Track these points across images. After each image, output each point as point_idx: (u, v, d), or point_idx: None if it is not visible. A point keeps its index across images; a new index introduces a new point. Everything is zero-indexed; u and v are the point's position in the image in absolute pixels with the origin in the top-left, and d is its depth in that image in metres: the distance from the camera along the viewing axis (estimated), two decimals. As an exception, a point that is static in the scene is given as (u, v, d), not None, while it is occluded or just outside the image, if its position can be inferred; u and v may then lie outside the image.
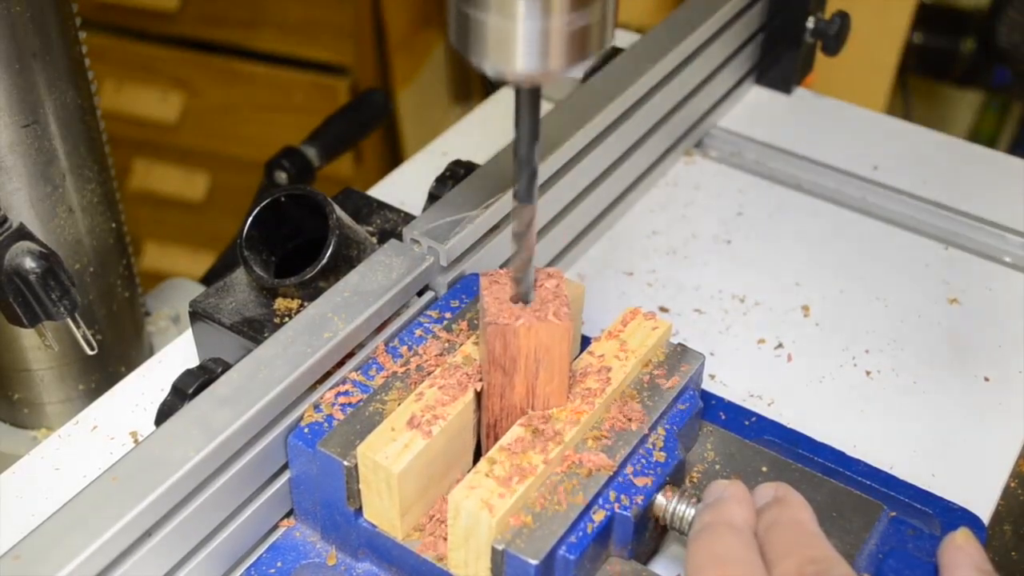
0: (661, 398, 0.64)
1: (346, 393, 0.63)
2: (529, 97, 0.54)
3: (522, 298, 0.59)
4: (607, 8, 0.51)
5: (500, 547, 0.56)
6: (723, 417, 0.70)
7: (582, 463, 0.60)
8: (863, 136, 1.00)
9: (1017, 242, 0.89)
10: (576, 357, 0.65)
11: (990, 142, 1.94)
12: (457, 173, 0.78)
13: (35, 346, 0.81)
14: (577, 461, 0.60)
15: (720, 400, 0.71)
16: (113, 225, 0.82)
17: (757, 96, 1.04)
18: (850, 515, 0.63)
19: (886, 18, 1.65)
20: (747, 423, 0.70)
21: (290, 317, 0.69)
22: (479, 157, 0.80)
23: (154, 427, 0.61)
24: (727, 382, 0.77)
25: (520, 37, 0.50)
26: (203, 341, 0.73)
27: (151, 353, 0.90)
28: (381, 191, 0.92)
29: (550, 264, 0.83)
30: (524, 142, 0.55)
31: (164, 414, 0.64)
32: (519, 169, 0.56)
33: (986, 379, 0.78)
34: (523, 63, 0.50)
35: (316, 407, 0.63)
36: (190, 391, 0.63)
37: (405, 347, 0.66)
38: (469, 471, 0.59)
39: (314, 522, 0.64)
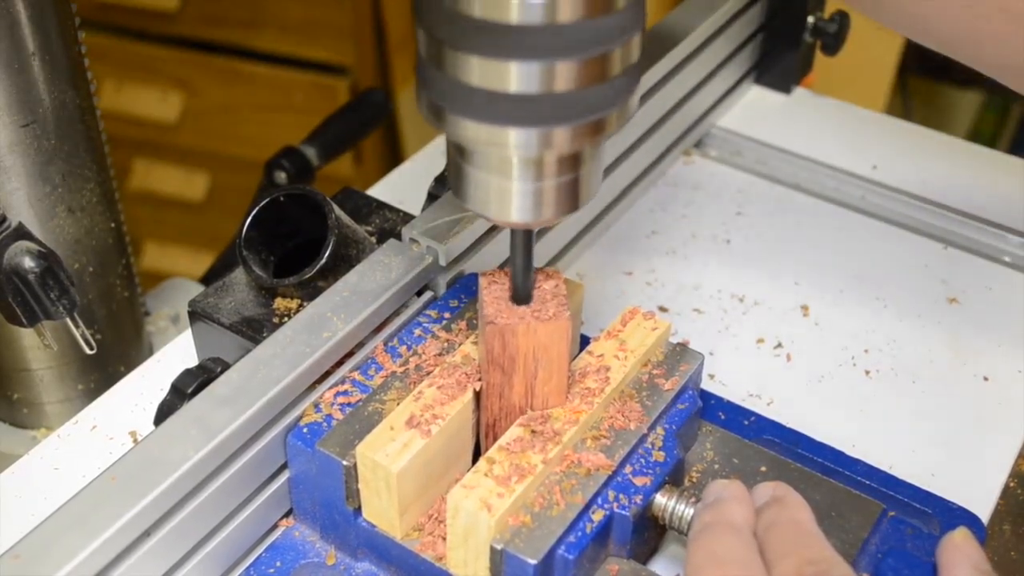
0: (660, 398, 0.64)
1: (345, 393, 0.63)
2: (523, 236, 0.58)
3: (521, 298, 0.59)
4: (594, 165, 0.55)
5: (499, 547, 0.56)
6: (722, 417, 0.70)
7: (581, 463, 0.60)
8: (863, 136, 1.00)
9: (1017, 242, 0.89)
10: (575, 357, 0.65)
11: (990, 142, 1.94)
12: (456, 173, 0.78)
13: (34, 346, 0.81)
14: (576, 461, 0.60)
15: (719, 400, 0.71)
16: (112, 225, 0.82)
17: (757, 96, 1.04)
18: (849, 515, 0.63)
19: (886, 18, 1.64)
20: (746, 423, 0.70)
21: (289, 317, 0.69)
22: (478, 157, 0.80)
23: (153, 427, 0.61)
24: (726, 382, 0.77)
25: (515, 194, 0.54)
26: (202, 341, 0.73)
27: (150, 353, 0.90)
28: (381, 191, 0.92)
29: (550, 264, 0.83)
30: (519, 270, 0.59)
31: (163, 414, 0.64)
32: (515, 290, 0.59)
33: (986, 379, 0.78)
34: (518, 215, 0.55)
35: (315, 407, 0.63)
36: (189, 391, 0.63)
37: (404, 347, 0.66)
38: (468, 471, 0.59)
39: (313, 522, 0.64)
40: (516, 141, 0.51)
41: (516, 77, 0.49)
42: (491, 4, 0.47)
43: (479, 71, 0.49)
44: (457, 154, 0.55)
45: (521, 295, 0.60)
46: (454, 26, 0.49)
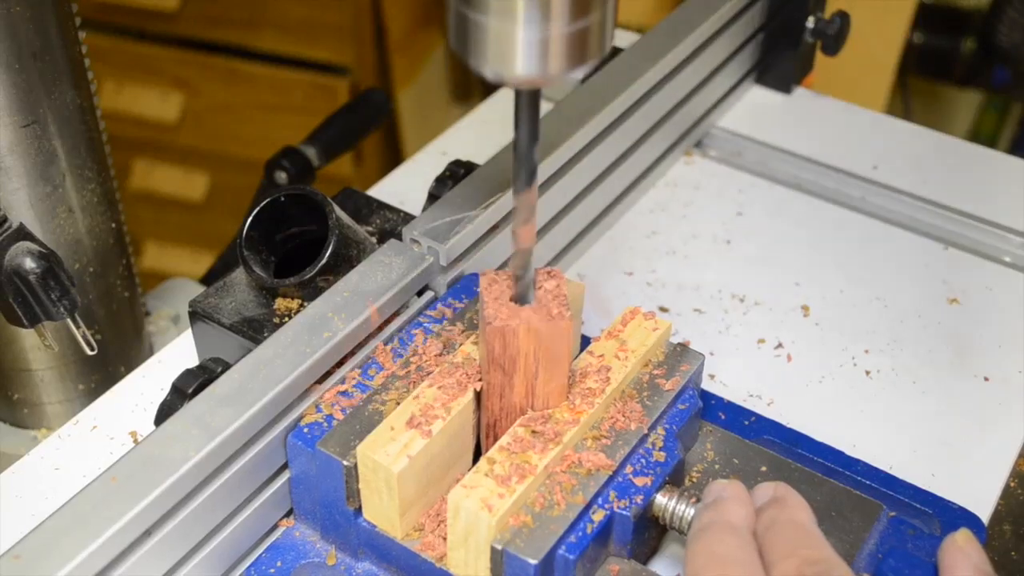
0: (661, 398, 0.64)
1: (346, 393, 0.63)
2: (529, 99, 0.55)
3: (522, 298, 0.59)
4: (607, 13, 0.51)
5: (499, 547, 0.56)
6: (723, 417, 0.70)
7: (582, 463, 0.60)
8: (863, 136, 1.00)
9: (1017, 242, 0.89)
10: (576, 357, 0.65)
11: (990, 142, 1.94)
12: (457, 173, 0.78)
13: (35, 346, 0.81)
14: (577, 461, 0.60)
15: (720, 400, 0.71)
16: (113, 225, 0.82)
17: (757, 96, 1.04)
18: (850, 515, 0.63)
19: (886, 18, 1.65)
20: (747, 423, 0.70)
21: (290, 317, 0.69)
22: (479, 157, 0.80)
23: (154, 427, 0.61)
24: (727, 382, 0.77)
25: (520, 41, 0.50)
26: (203, 341, 0.73)
27: (151, 353, 0.90)
28: (381, 191, 0.92)
29: (550, 264, 0.83)
30: (524, 142, 0.56)
31: (164, 414, 0.64)
32: (518, 166, 0.57)
33: (986, 379, 0.78)
34: (523, 67, 0.50)
35: (316, 407, 0.63)
36: (190, 391, 0.63)
37: (405, 347, 0.66)
38: (469, 471, 0.59)
39: (314, 522, 0.64)
40: None
41: None
42: None
43: None
44: (460, 1, 0.51)
45: (525, 177, 0.57)
46: None
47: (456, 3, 0.51)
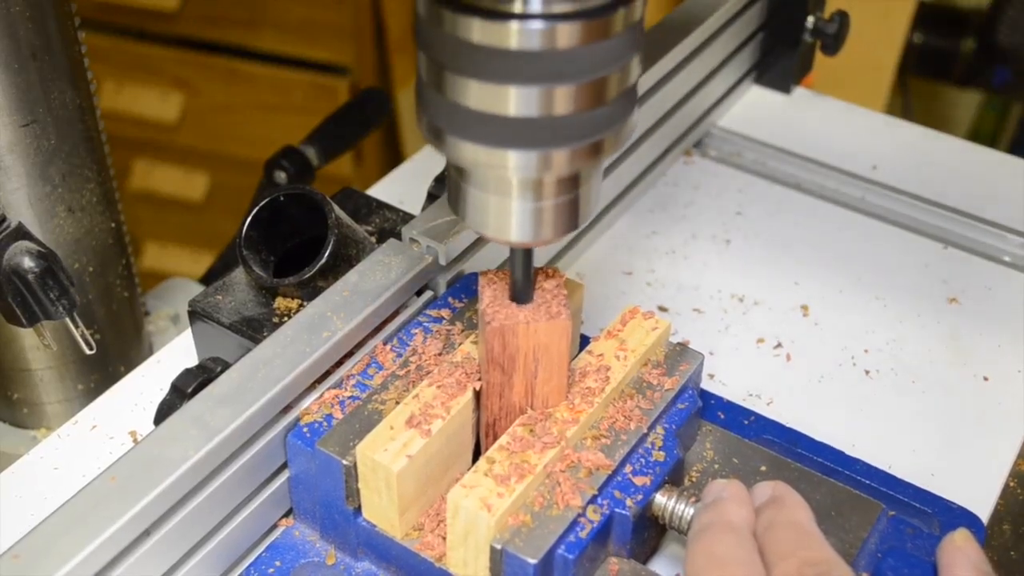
0: (660, 397, 0.64)
1: (345, 393, 0.63)
2: (522, 253, 0.58)
3: (521, 297, 0.59)
4: (593, 185, 0.56)
5: (499, 546, 0.56)
6: (722, 416, 0.70)
7: (581, 462, 0.60)
8: (863, 136, 1.00)
9: (1017, 242, 0.89)
10: (575, 356, 0.65)
11: (990, 142, 1.94)
12: (456, 173, 0.78)
13: (34, 346, 0.81)
14: (576, 460, 0.60)
15: (719, 399, 0.71)
16: (112, 225, 0.82)
17: (757, 96, 1.04)
18: (849, 514, 0.63)
19: (886, 18, 1.65)
20: (746, 422, 0.70)
21: (289, 317, 0.69)
22: (478, 157, 0.80)
23: (153, 426, 0.61)
24: (726, 381, 0.77)
25: (515, 214, 0.55)
26: (202, 340, 0.73)
27: (150, 353, 0.90)
28: (381, 191, 0.92)
29: (550, 264, 0.83)
30: (520, 280, 0.59)
31: (163, 413, 0.64)
32: (514, 296, 0.60)
33: (985, 379, 0.78)
34: (518, 235, 0.55)
35: (315, 406, 0.63)
36: (189, 390, 0.64)
37: (404, 346, 0.66)
38: (468, 470, 0.59)
39: (313, 521, 0.64)
40: (515, 164, 0.51)
41: (515, 101, 0.49)
42: (491, 30, 0.48)
43: (478, 95, 0.49)
44: (456, 174, 0.55)
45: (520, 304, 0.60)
46: (454, 50, 0.49)
47: (455, 176, 0.55)
